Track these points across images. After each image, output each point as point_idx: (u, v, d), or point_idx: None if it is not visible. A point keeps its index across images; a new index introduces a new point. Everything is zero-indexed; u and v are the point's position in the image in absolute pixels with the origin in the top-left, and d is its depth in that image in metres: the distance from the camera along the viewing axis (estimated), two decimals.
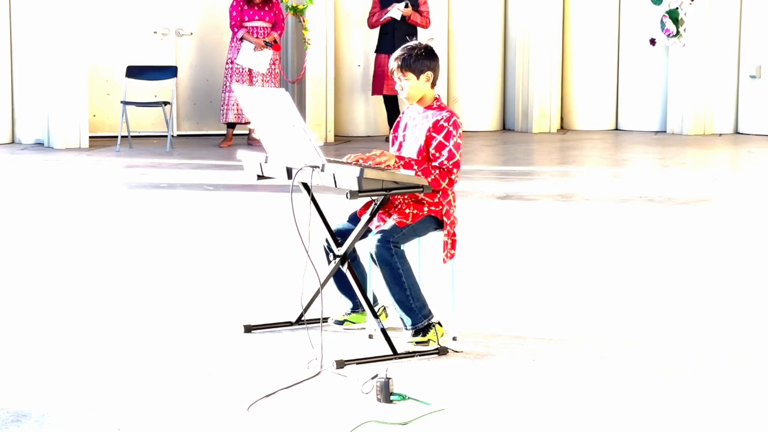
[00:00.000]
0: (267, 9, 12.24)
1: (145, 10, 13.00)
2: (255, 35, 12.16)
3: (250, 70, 12.15)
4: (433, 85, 4.87)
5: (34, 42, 12.00)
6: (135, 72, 12.28)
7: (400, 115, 5.05)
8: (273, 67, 12.25)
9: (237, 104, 12.10)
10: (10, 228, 7.66)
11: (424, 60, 4.82)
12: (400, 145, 4.95)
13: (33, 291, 5.83)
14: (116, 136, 12.07)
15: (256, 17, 12.20)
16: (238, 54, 12.12)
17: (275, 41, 12.20)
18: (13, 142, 12.32)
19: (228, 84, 12.20)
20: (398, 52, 4.85)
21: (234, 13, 12.22)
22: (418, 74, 4.82)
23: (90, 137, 12.17)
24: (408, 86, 4.84)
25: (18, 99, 12.26)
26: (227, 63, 12.30)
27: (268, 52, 12.14)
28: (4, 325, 5.15)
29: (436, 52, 4.93)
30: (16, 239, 7.26)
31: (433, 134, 4.78)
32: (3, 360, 4.61)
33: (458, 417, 3.92)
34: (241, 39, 12.12)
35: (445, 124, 4.78)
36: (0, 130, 12.23)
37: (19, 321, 5.22)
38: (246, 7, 12.18)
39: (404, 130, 4.96)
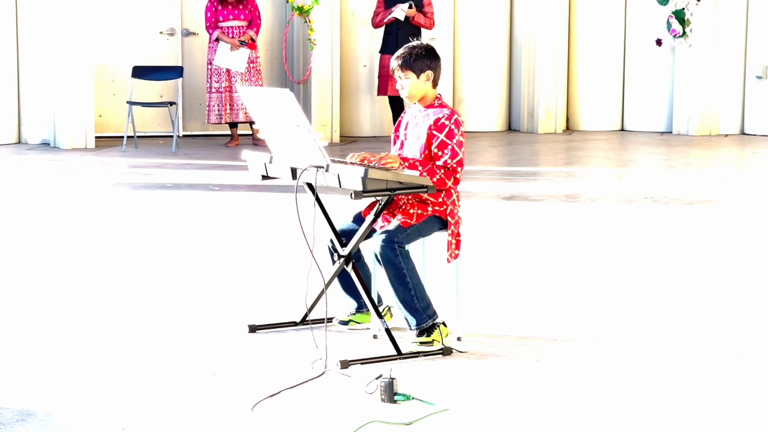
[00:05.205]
0: (241, 7, 12.22)
1: (151, 10, 13.02)
2: (231, 35, 12.15)
3: (228, 71, 12.15)
4: (435, 84, 4.88)
5: (40, 42, 12.03)
6: (141, 72, 12.30)
7: (402, 114, 5.06)
8: (252, 65, 12.25)
9: (218, 105, 12.15)
10: (16, 228, 7.67)
11: (424, 59, 4.83)
12: (402, 144, 4.96)
13: (38, 291, 5.84)
14: (122, 137, 12.09)
15: (231, 17, 12.19)
16: (215, 55, 12.13)
17: (252, 39, 12.19)
18: (19, 142, 12.35)
19: (209, 86, 12.22)
20: (399, 52, 4.88)
21: (208, 14, 12.21)
22: (418, 73, 4.83)
23: (96, 137, 12.19)
24: (408, 85, 4.85)
25: (24, 99, 12.28)
26: (207, 64, 12.31)
27: (245, 51, 12.14)
28: (9, 324, 5.17)
29: (438, 51, 4.93)
30: (21, 239, 7.27)
31: (435, 132, 4.78)
32: (8, 359, 4.62)
33: (462, 417, 3.92)
34: (217, 40, 12.13)
35: (447, 122, 4.78)
36: (6, 131, 12.26)
37: (25, 320, 5.23)
38: (220, 8, 12.17)
39: (405, 128, 4.97)
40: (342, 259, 4.78)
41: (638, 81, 14.20)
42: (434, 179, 4.69)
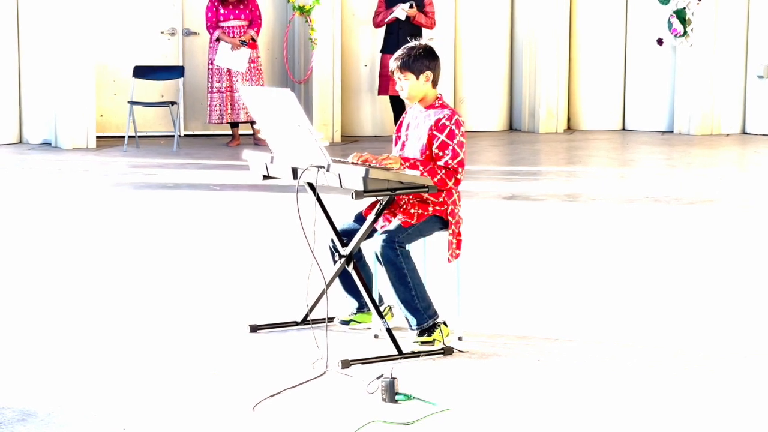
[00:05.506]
0: (242, 7, 12.21)
1: (152, 10, 13.02)
2: (231, 35, 12.15)
3: (229, 70, 12.15)
4: (434, 84, 4.87)
5: (41, 42, 12.03)
6: (142, 72, 12.30)
7: (403, 115, 5.06)
8: (253, 65, 12.25)
9: (220, 105, 12.16)
10: (17, 228, 7.68)
11: (423, 60, 4.83)
12: (403, 145, 4.96)
13: (39, 291, 5.84)
14: (123, 136, 12.10)
15: (231, 16, 12.18)
16: (216, 55, 12.13)
17: (252, 39, 12.19)
18: (20, 142, 12.35)
19: (210, 86, 12.22)
20: (398, 53, 4.88)
21: (209, 14, 12.20)
22: (417, 74, 4.83)
23: (97, 137, 12.19)
24: (408, 86, 4.85)
25: (25, 99, 12.28)
26: (208, 65, 12.31)
27: (246, 51, 12.13)
28: (10, 324, 5.17)
29: (437, 51, 4.93)
30: (22, 239, 7.27)
31: (436, 133, 4.79)
32: (9, 359, 4.62)
33: (463, 417, 3.92)
34: (218, 40, 12.13)
35: (447, 123, 4.78)
36: (8, 131, 12.26)
37: (26, 320, 5.23)
38: (221, 8, 12.17)
39: (407, 129, 4.97)
40: (343, 259, 4.78)
41: (639, 80, 14.20)
42: (435, 179, 4.69)
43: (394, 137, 5.07)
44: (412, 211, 4.78)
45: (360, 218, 4.93)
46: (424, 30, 12.44)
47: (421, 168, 4.70)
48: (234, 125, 12.46)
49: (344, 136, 13.18)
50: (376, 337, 4.90)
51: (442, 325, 4.75)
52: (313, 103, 12.71)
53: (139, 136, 12.30)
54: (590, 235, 7.54)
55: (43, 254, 6.77)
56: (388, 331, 4.65)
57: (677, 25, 13.60)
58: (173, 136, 12.15)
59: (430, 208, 4.78)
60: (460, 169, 4.76)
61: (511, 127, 14.45)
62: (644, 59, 14.13)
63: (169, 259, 6.66)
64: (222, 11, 12.16)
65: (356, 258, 4.83)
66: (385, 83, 12.44)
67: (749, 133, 13.83)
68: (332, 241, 4.87)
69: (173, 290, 5.86)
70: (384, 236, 4.67)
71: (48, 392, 4.16)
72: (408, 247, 4.73)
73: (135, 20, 12.94)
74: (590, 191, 9.33)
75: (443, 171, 4.74)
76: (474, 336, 4.91)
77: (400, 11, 12.29)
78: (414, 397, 4.08)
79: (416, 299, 4.69)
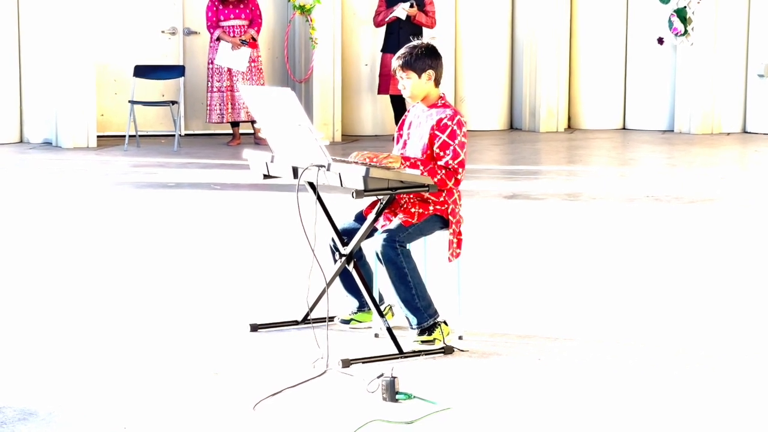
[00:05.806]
0: (242, 6, 12.22)
1: (152, 9, 13.02)
2: (232, 34, 12.15)
3: (229, 70, 12.16)
4: (437, 83, 4.87)
5: (41, 41, 12.03)
6: (143, 71, 12.30)
7: (406, 113, 5.06)
8: (253, 64, 12.26)
9: (220, 105, 12.16)
10: (18, 227, 7.68)
11: (425, 59, 4.83)
12: (405, 144, 4.96)
13: (39, 290, 5.84)
14: (124, 136, 12.10)
15: (232, 16, 12.19)
16: (216, 54, 12.13)
17: (253, 38, 12.19)
18: (21, 141, 12.36)
19: (210, 85, 12.22)
20: (400, 52, 4.88)
21: (209, 14, 12.21)
22: (419, 73, 4.83)
23: (98, 136, 12.20)
24: (410, 85, 4.85)
25: (26, 98, 12.28)
26: (208, 64, 12.32)
27: (246, 50, 12.14)
28: (11, 324, 5.17)
29: (439, 50, 4.93)
30: (23, 238, 7.27)
31: (437, 132, 4.79)
32: (10, 358, 4.62)
33: (464, 416, 3.92)
34: (218, 39, 12.13)
35: (449, 123, 4.78)
36: (8, 130, 12.26)
37: (26, 320, 5.23)
38: (221, 7, 12.17)
39: (409, 128, 4.97)
40: (343, 258, 4.78)
41: (640, 79, 14.20)
42: (435, 179, 4.69)
43: (396, 135, 5.07)
44: (412, 210, 4.78)
45: (360, 217, 4.93)
46: (424, 29, 12.44)
47: (421, 167, 4.70)
48: (234, 124, 12.46)
49: (345, 136, 13.18)
50: (376, 336, 4.90)
51: (443, 324, 4.76)
52: (313, 103, 12.71)
53: (140, 136, 12.30)
54: (591, 234, 7.54)
55: (43, 254, 6.77)
56: (389, 330, 4.65)
57: (678, 24, 13.60)
58: (174, 135, 12.15)
59: (431, 208, 4.79)
60: (460, 170, 4.76)
61: (512, 126, 14.45)
62: (645, 58, 14.13)
63: (170, 258, 6.66)
64: (223, 11, 12.15)
65: (357, 257, 4.83)
66: (385, 82, 12.44)
67: (750, 132, 13.82)
68: (333, 240, 4.87)
69: (174, 290, 5.86)
70: (384, 235, 4.67)
71: (49, 392, 4.17)
72: (408, 246, 4.73)
73: (135, 20, 12.94)
74: (591, 190, 9.33)
75: (443, 171, 4.74)
76: (474, 335, 4.92)
77: (401, 10, 12.30)
78: (414, 396, 4.08)
79: (417, 298, 4.70)
